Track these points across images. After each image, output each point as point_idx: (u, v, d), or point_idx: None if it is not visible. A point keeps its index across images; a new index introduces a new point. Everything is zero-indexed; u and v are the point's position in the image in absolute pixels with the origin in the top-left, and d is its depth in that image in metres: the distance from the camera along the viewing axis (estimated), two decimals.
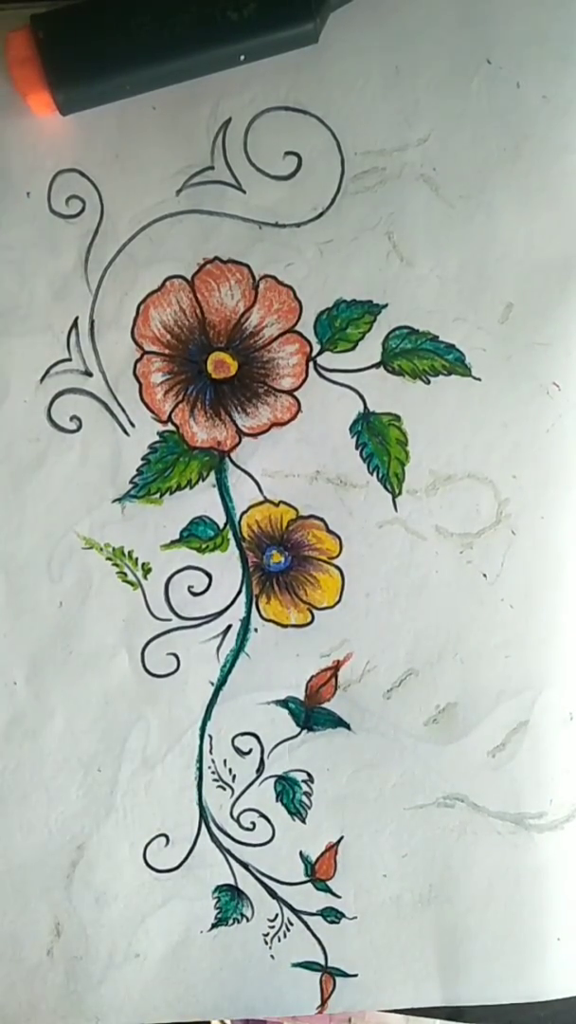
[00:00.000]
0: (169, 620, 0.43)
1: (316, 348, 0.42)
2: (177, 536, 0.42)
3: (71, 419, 0.42)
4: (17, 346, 0.41)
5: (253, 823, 0.44)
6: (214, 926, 0.44)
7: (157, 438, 0.42)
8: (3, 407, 0.41)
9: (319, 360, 0.42)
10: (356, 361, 0.42)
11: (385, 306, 0.41)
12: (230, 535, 0.42)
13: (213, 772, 0.43)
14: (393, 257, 0.41)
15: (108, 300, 0.41)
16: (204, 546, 0.42)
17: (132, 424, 0.42)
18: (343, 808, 0.44)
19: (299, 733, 0.43)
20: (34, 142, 0.41)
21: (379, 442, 0.42)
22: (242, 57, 0.39)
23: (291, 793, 0.43)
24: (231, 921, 0.44)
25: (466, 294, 0.41)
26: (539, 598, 0.43)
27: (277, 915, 0.44)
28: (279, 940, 0.44)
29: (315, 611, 0.43)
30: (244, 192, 0.41)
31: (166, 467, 0.42)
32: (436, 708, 0.43)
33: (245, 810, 0.44)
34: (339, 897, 0.44)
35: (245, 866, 0.44)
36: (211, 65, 0.40)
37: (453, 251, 0.41)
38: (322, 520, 0.42)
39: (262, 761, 0.43)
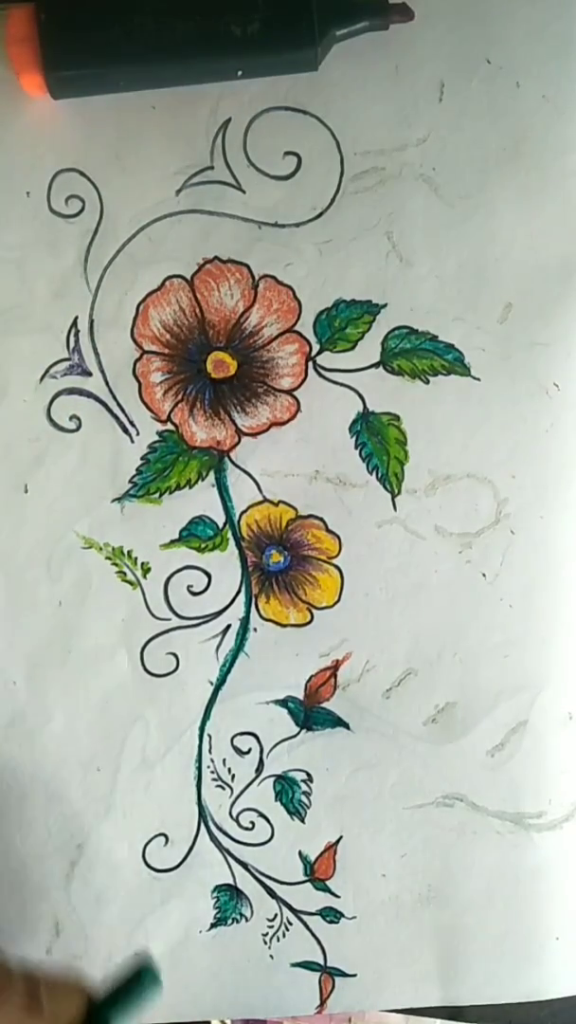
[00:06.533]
0: (168, 620, 0.43)
1: (315, 348, 0.42)
2: (176, 536, 0.42)
3: (71, 419, 0.42)
4: (16, 345, 0.41)
5: (252, 823, 0.44)
6: (213, 926, 0.44)
7: (156, 438, 0.42)
8: (2, 407, 0.41)
9: (318, 360, 0.42)
10: (355, 361, 0.42)
11: (384, 306, 0.41)
12: (229, 535, 0.42)
13: (212, 772, 0.43)
14: (392, 257, 0.41)
15: (108, 300, 0.41)
16: (203, 546, 0.42)
17: (132, 424, 0.42)
18: (342, 808, 0.43)
19: (298, 733, 0.43)
20: (34, 142, 0.41)
21: (378, 442, 0.42)
22: (239, 72, 0.39)
23: (290, 793, 0.43)
24: (230, 921, 0.44)
25: (465, 294, 0.41)
26: (538, 598, 0.43)
27: (276, 915, 0.44)
28: (278, 940, 0.44)
29: (314, 611, 0.43)
30: (244, 192, 0.41)
31: (165, 467, 0.42)
32: (435, 708, 0.43)
33: (244, 810, 0.43)
34: (338, 897, 0.44)
35: (244, 866, 0.44)
36: (208, 75, 0.40)
37: (452, 251, 0.41)
38: (321, 520, 0.42)
39: (261, 761, 0.43)
